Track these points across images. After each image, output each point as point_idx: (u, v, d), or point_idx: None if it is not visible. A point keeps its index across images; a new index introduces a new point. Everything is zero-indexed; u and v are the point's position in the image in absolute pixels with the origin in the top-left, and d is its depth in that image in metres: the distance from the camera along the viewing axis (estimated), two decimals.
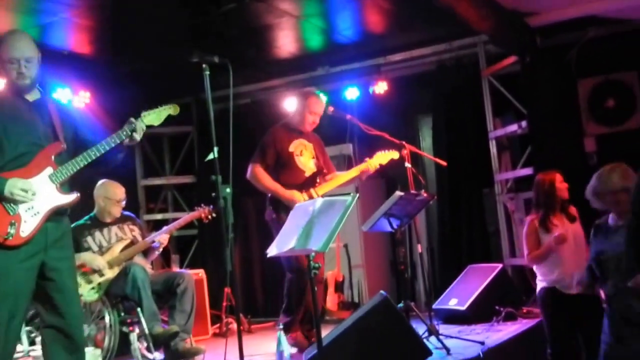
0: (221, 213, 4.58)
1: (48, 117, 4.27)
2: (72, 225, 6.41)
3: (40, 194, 4.07)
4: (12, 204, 4.03)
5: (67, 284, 4.13)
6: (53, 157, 4.17)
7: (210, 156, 4.49)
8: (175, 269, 8.85)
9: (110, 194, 6.68)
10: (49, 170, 4.13)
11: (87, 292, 6.23)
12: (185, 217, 6.92)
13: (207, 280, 8.31)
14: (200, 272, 8.19)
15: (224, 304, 8.52)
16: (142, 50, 8.20)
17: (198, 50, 4.54)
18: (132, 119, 4.20)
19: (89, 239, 6.47)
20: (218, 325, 8.53)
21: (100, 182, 6.76)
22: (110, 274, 6.28)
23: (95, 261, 6.30)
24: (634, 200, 3.20)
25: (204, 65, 4.55)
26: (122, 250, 6.45)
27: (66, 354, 4.03)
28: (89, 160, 4.17)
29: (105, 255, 6.38)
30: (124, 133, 4.22)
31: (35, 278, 4.08)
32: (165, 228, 6.86)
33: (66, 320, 4.03)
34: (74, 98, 8.61)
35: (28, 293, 4.07)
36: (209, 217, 6.83)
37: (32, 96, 4.31)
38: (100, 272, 6.29)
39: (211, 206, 6.78)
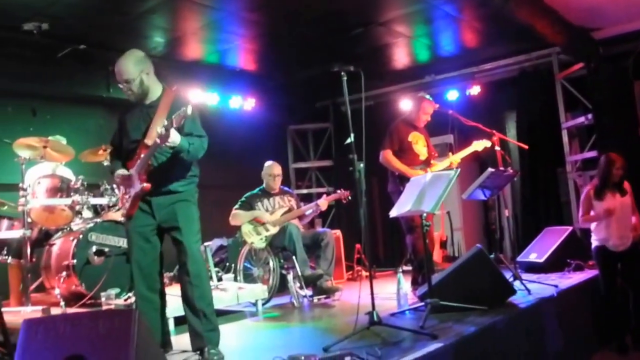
0: (356, 182, 4.54)
1: (151, 116, 4.03)
2: (248, 194, 6.78)
3: (133, 182, 4.03)
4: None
5: (182, 234, 4.01)
6: (143, 154, 3.96)
7: (348, 141, 4.47)
8: (318, 228, 9.03)
9: (271, 170, 6.88)
10: (138, 162, 4.01)
11: (257, 241, 6.49)
12: (330, 197, 7.02)
13: (342, 239, 8.36)
14: (337, 232, 8.23)
15: (356, 256, 8.68)
16: (293, 66, 8.39)
17: (337, 63, 4.50)
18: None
19: (259, 204, 6.69)
20: (351, 272, 8.63)
21: (266, 163, 6.96)
22: (273, 230, 6.49)
23: (265, 216, 6.56)
24: None
25: (342, 73, 4.51)
26: (282, 214, 6.65)
27: (188, 279, 4.00)
28: (147, 163, 3.97)
29: (271, 216, 6.59)
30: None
31: (155, 236, 4.12)
32: (315, 202, 6.87)
33: (187, 256, 3.99)
34: (244, 103, 8.90)
35: (151, 247, 4.12)
36: (346, 199, 6.91)
37: (150, 99, 4.13)
38: (266, 227, 6.50)
39: (348, 191, 6.85)
